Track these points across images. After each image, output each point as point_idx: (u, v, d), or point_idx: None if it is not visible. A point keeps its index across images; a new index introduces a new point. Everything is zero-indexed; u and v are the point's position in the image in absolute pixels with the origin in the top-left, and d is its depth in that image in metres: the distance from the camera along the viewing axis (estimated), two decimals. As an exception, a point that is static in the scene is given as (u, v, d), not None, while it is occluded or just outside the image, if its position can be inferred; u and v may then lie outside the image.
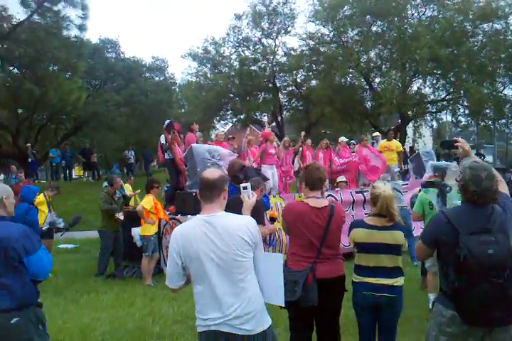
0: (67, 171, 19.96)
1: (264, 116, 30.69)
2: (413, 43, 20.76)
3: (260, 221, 4.45)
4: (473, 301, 2.64)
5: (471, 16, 21.33)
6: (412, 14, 23.94)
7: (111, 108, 21.60)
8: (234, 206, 4.80)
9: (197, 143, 9.28)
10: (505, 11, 21.21)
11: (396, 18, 22.98)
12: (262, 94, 28.17)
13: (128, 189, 13.23)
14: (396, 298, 3.69)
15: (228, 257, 2.64)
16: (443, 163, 6.22)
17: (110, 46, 25.13)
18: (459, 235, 2.70)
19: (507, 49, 21.57)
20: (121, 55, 25.65)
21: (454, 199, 4.87)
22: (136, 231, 7.78)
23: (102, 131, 22.94)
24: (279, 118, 28.96)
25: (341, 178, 10.16)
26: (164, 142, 9.17)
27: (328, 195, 9.27)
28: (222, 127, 32.46)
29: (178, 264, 2.72)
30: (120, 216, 8.35)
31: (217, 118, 30.34)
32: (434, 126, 34.26)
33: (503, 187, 3.07)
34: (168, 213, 8.30)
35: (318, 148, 11.59)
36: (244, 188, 3.30)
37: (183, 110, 31.54)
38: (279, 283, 2.82)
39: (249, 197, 3.26)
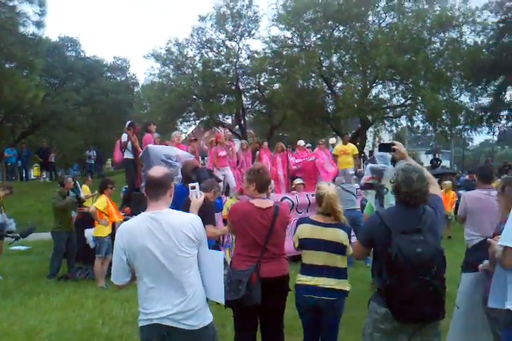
0: (24, 171, 19.50)
1: (228, 118, 30.79)
2: (373, 50, 21.24)
3: (209, 221, 4.50)
4: (403, 298, 2.76)
5: (428, 24, 21.94)
6: (373, 21, 24.46)
7: (70, 107, 21.21)
8: (186, 206, 4.86)
9: (154, 144, 9.25)
10: (459, 20, 21.93)
11: (358, 24, 23.45)
12: (225, 97, 28.22)
13: (86, 190, 12.99)
14: (335, 301, 3.75)
15: (172, 253, 2.68)
16: (380, 165, 6.41)
17: (70, 45, 24.69)
18: (391, 235, 2.82)
19: (462, 57, 22.31)
20: (82, 53, 25.28)
21: (391, 200, 5.05)
22: (89, 233, 7.69)
23: (61, 130, 22.52)
24: (242, 121, 29.07)
25: (298, 180, 10.25)
26: (126, 140, 9.11)
27: (284, 198, 9.37)
28: (185, 129, 32.39)
29: (123, 260, 2.74)
30: (74, 216, 8.23)
31: (180, 120, 30.27)
32: (394, 131, 35.09)
33: (434, 189, 3.20)
34: (123, 214, 8.23)
35: (275, 152, 11.70)
36: (193, 188, 3.39)
37: (145, 111, 31.28)
38: (219, 281, 2.89)
39: (196, 196, 3.36)
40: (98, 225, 7.50)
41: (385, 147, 3.47)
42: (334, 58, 25.52)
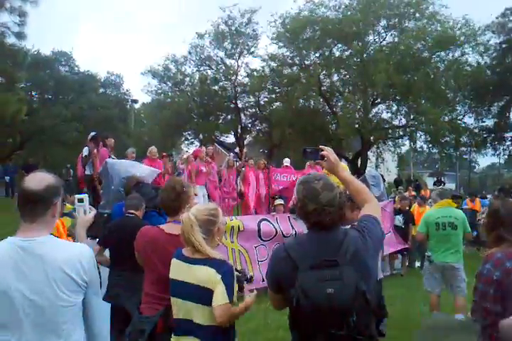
0: (11, 187, 18.87)
1: (227, 137, 30.31)
2: (372, 69, 20.76)
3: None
4: None
5: (429, 44, 21.48)
6: (374, 40, 24.05)
7: (58, 122, 20.75)
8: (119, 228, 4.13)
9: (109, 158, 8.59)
10: (460, 40, 21.45)
11: (359, 43, 23.03)
12: (224, 115, 27.80)
13: (67, 208, 12.37)
14: None
15: (46, 300, 1.95)
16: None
17: (64, 59, 24.43)
18: (297, 272, 2.10)
19: (465, 78, 21.76)
20: (76, 68, 25.00)
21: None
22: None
23: (49, 145, 21.99)
24: (241, 139, 28.58)
25: (279, 201, 9.50)
26: (87, 154, 8.44)
27: (263, 220, 8.60)
28: (186, 147, 31.95)
29: None
30: None
31: (182, 138, 29.91)
32: (398, 152, 34.39)
33: (369, 207, 2.42)
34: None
35: (257, 169, 11.05)
36: (80, 201, 2.64)
37: (145, 129, 30.98)
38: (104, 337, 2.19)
39: (85, 212, 2.61)
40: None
41: (310, 154, 2.60)
42: (334, 77, 25.14)
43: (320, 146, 2.55)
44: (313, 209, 2.17)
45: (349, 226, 2.34)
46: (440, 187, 9.39)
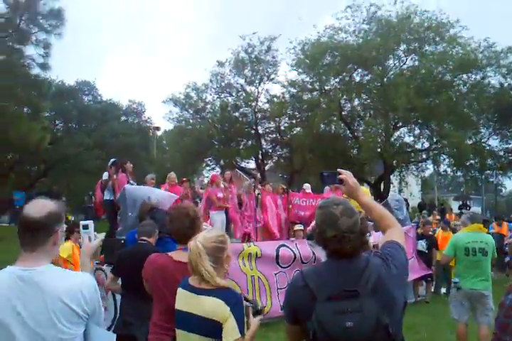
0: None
1: (248, 163, 30.36)
2: (393, 93, 20.67)
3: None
4: None
5: (450, 67, 21.36)
6: (394, 64, 24.02)
7: (81, 150, 21.12)
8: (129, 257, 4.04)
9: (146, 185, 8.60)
10: (482, 63, 21.27)
11: (379, 68, 23.05)
12: (244, 141, 27.91)
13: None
14: None
15: (45, 331, 1.87)
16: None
17: (87, 89, 25.04)
18: (315, 303, 1.97)
19: (488, 100, 21.49)
20: (99, 97, 25.55)
21: None
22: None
23: (72, 173, 22.35)
24: (262, 165, 28.58)
25: (298, 226, 9.34)
26: (107, 179, 8.46)
27: (282, 246, 8.44)
28: (207, 173, 32.09)
29: None
30: None
31: (204, 164, 30.08)
32: (422, 176, 33.95)
33: (392, 233, 2.29)
34: (97, 262, 7.42)
35: (276, 194, 10.95)
36: (85, 227, 2.54)
37: (168, 156, 31.33)
38: None
39: (90, 239, 2.51)
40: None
41: (327, 178, 2.49)
42: (355, 102, 25.11)
43: (338, 170, 2.45)
44: (333, 236, 2.04)
45: (372, 254, 2.20)
46: (469, 211, 9.10)
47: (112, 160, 8.87)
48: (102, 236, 2.67)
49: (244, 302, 2.45)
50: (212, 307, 2.38)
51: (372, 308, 1.90)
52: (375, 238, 7.89)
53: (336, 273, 2.04)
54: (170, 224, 3.11)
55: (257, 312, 2.56)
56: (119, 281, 4.21)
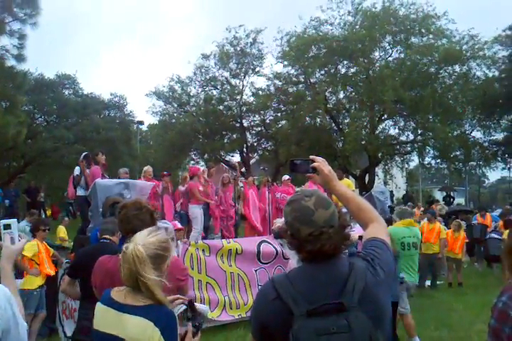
0: (11, 211, 18.64)
1: (233, 156, 30.09)
2: (379, 85, 20.51)
3: None
4: None
5: (436, 59, 21.23)
6: (380, 56, 23.85)
7: (58, 145, 20.67)
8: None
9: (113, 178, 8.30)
10: (467, 55, 21.18)
11: (364, 60, 22.85)
12: (229, 134, 27.61)
13: (61, 231, 12.19)
14: None
15: None
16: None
17: (68, 82, 24.52)
18: (291, 319, 1.61)
19: (473, 91, 21.43)
20: (80, 91, 25.02)
21: None
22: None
23: (52, 168, 21.90)
24: (247, 158, 28.31)
25: (279, 221, 9.08)
26: (79, 174, 8.14)
27: (263, 242, 8.23)
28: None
29: None
30: None
31: (188, 158, 29.76)
32: (406, 168, 33.99)
33: (375, 228, 1.97)
34: (66, 261, 7.11)
35: (262, 185, 10.78)
36: (7, 227, 2.19)
37: (152, 150, 30.93)
38: None
39: (13, 241, 2.17)
40: (27, 276, 6.36)
41: (299, 166, 2.15)
42: (341, 94, 24.92)
43: (311, 156, 2.13)
44: (309, 234, 1.71)
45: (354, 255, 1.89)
46: (399, 206, 9.02)
47: (84, 154, 8.56)
48: (26, 237, 2.33)
49: (177, 320, 2.05)
50: (138, 330, 1.94)
51: (363, 325, 1.58)
52: (358, 230, 7.70)
53: (315, 280, 1.71)
54: (127, 222, 2.83)
55: (196, 328, 2.15)
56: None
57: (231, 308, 7.39)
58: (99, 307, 2.12)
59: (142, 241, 2.09)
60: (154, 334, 1.92)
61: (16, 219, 2.26)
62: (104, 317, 2.07)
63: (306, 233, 1.71)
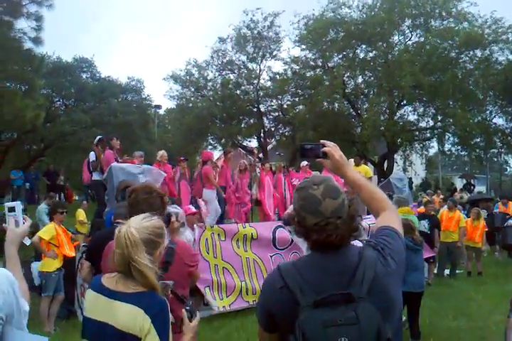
0: (32, 194, 18.91)
1: (250, 141, 30.00)
2: (397, 70, 20.15)
3: None
4: None
5: (457, 43, 20.74)
6: (399, 40, 23.39)
7: (76, 128, 20.79)
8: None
9: (131, 163, 8.27)
10: (489, 39, 20.62)
11: (383, 44, 22.45)
12: (246, 119, 27.47)
13: (80, 215, 12.29)
14: None
15: None
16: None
17: (85, 66, 24.56)
18: (298, 309, 1.56)
19: (494, 76, 20.92)
20: (97, 74, 25.08)
21: None
22: (34, 267, 6.64)
23: (71, 152, 22.10)
24: (264, 143, 28.20)
25: (290, 208, 9.03)
26: (94, 159, 8.15)
27: (279, 227, 8.19)
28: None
29: None
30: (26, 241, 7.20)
31: (205, 143, 29.73)
32: (426, 154, 33.54)
33: (387, 216, 1.91)
34: (83, 244, 7.17)
35: (277, 172, 10.69)
36: (11, 210, 2.15)
37: (170, 135, 30.96)
38: None
39: (17, 224, 2.14)
40: (45, 258, 6.43)
41: (310, 151, 2.05)
42: (359, 79, 24.56)
43: (322, 141, 2.03)
44: (314, 224, 1.66)
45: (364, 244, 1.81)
46: (396, 195, 8.84)
47: (98, 137, 8.56)
48: (30, 220, 2.28)
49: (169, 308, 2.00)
50: (129, 317, 1.88)
51: (371, 317, 1.52)
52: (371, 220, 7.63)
53: (322, 270, 1.67)
54: (136, 206, 2.77)
55: (191, 314, 2.14)
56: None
57: (247, 294, 7.42)
58: (90, 294, 2.07)
59: (136, 224, 2.02)
60: (145, 322, 1.87)
61: (19, 202, 2.24)
62: (94, 304, 2.02)
63: (311, 223, 1.68)
